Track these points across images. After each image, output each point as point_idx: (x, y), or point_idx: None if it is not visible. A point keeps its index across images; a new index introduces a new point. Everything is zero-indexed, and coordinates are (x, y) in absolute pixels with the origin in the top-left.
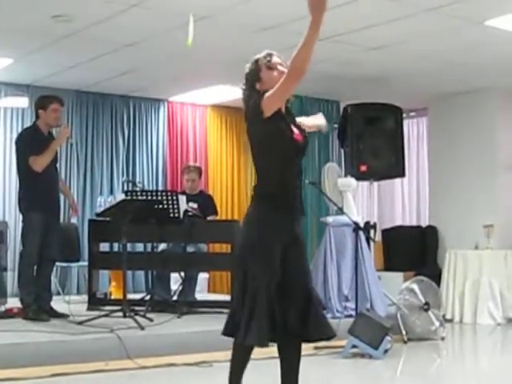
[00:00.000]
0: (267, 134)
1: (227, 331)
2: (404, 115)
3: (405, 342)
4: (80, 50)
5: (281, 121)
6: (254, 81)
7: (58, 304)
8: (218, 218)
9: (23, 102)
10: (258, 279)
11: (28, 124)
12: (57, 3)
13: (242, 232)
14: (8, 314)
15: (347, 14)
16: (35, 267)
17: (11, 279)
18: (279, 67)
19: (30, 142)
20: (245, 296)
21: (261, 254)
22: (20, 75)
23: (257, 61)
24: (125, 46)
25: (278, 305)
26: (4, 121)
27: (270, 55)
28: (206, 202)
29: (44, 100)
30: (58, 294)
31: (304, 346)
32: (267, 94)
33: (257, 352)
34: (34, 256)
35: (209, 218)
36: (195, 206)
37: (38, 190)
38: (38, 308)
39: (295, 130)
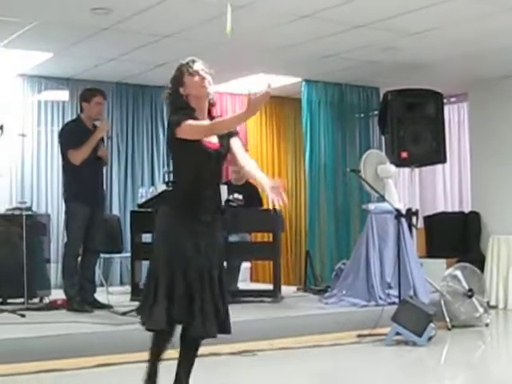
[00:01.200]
0: (179, 143)
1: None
2: (445, 101)
3: (449, 329)
4: (119, 42)
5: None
6: (178, 85)
7: (101, 295)
8: (260, 207)
9: (63, 95)
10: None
11: (68, 117)
12: None
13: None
14: (52, 306)
15: (384, 0)
16: (79, 259)
17: (55, 271)
18: (201, 72)
19: (71, 135)
20: None
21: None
22: (60, 69)
23: (180, 67)
24: (163, 36)
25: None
26: (45, 114)
27: (193, 62)
28: (251, 194)
29: (87, 93)
30: (101, 285)
31: (347, 333)
32: (186, 123)
33: None
34: (77, 247)
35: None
36: (240, 197)
37: (80, 182)
38: (81, 299)
39: (210, 139)
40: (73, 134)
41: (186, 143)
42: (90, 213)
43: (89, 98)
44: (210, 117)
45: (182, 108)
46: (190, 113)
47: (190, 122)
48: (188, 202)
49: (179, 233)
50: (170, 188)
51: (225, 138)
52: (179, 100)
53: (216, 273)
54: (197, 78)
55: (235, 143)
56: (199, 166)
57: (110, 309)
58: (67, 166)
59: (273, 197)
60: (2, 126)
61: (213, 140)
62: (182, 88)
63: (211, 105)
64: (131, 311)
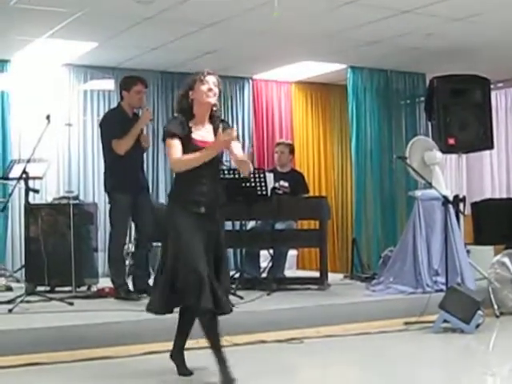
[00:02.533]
0: None
1: None
2: (492, 86)
3: (497, 317)
4: (163, 32)
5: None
6: (189, 88)
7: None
8: (305, 195)
9: (109, 84)
10: None
11: (113, 105)
12: None
13: None
14: (100, 294)
15: None
16: (126, 247)
17: (102, 260)
18: (210, 83)
19: (113, 124)
20: None
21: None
22: (105, 58)
23: (196, 74)
24: (206, 25)
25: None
26: (91, 104)
27: (208, 73)
28: (297, 181)
29: (127, 81)
30: (130, 273)
31: (394, 321)
32: (168, 142)
33: None
34: (122, 236)
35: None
36: (286, 184)
37: (122, 171)
38: (128, 288)
39: (199, 138)
40: (115, 123)
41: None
42: (133, 201)
43: (128, 87)
44: (211, 121)
45: (184, 110)
46: (187, 118)
47: (170, 143)
48: (183, 196)
49: (177, 223)
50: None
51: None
52: (185, 102)
53: (211, 256)
54: (205, 87)
55: (235, 147)
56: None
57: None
58: (109, 155)
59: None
60: (48, 115)
61: (208, 137)
62: (191, 91)
63: (213, 112)
64: None
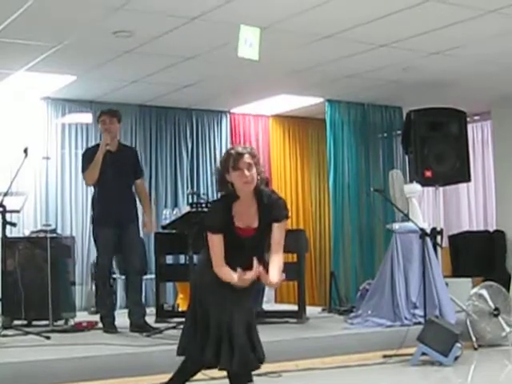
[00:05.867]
0: None
1: None
2: (468, 119)
3: (475, 349)
4: (141, 65)
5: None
6: (224, 170)
7: (124, 317)
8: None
9: (87, 118)
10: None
11: (92, 140)
12: (117, 19)
13: None
14: (77, 328)
15: (406, 20)
16: (111, 280)
17: (79, 293)
18: (245, 171)
19: (84, 159)
20: None
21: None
22: (83, 92)
23: (227, 154)
24: (186, 59)
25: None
26: (69, 137)
27: (239, 154)
28: None
29: (98, 115)
30: (127, 307)
31: (373, 354)
32: (210, 238)
33: None
34: (103, 269)
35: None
36: None
37: (102, 204)
38: (111, 320)
39: (241, 225)
40: (86, 158)
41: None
42: (115, 235)
43: (98, 119)
44: (257, 198)
45: (226, 195)
46: (231, 201)
47: (212, 240)
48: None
49: (211, 293)
50: (194, 209)
51: (266, 223)
52: (225, 185)
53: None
54: (240, 175)
55: (275, 231)
56: (230, 249)
57: (160, 332)
58: (92, 189)
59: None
60: (26, 149)
61: (252, 224)
62: (227, 175)
63: (266, 184)
64: (155, 333)
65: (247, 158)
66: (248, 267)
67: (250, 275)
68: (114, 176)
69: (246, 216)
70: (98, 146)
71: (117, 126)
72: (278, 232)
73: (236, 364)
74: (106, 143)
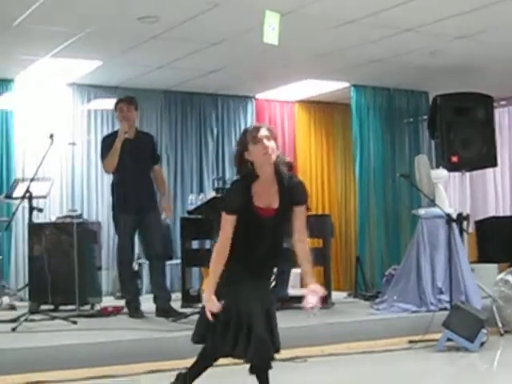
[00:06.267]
0: None
1: None
2: (495, 104)
3: (501, 335)
4: (167, 50)
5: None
6: (242, 150)
7: (150, 302)
8: (309, 213)
9: (112, 103)
10: None
11: (117, 125)
12: (143, 5)
13: None
14: (103, 313)
15: (434, 4)
16: (136, 265)
17: (106, 278)
18: (264, 141)
19: (103, 147)
20: None
21: None
22: (108, 77)
23: (245, 132)
24: (211, 44)
25: None
26: (95, 123)
27: (257, 129)
28: None
29: (115, 102)
30: (152, 292)
31: (398, 339)
32: (224, 218)
33: None
34: (125, 254)
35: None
36: None
37: (121, 191)
38: (137, 305)
39: (261, 205)
40: (105, 146)
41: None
42: (135, 221)
43: (115, 107)
44: (279, 176)
45: (245, 175)
46: (250, 181)
47: (226, 219)
48: (238, 258)
49: (232, 284)
50: (219, 195)
51: (287, 204)
52: (244, 165)
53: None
54: (260, 148)
55: (298, 216)
56: (250, 230)
57: (186, 317)
58: (111, 176)
59: (309, 299)
60: (52, 134)
61: (272, 205)
62: (246, 153)
63: (290, 168)
64: (181, 318)
65: (265, 131)
66: (267, 253)
67: (215, 308)
68: (132, 163)
69: (266, 196)
70: (116, 132)
71: (134, 114)
72: (300, 217)
73: (251, 353)
74: (125, 131)
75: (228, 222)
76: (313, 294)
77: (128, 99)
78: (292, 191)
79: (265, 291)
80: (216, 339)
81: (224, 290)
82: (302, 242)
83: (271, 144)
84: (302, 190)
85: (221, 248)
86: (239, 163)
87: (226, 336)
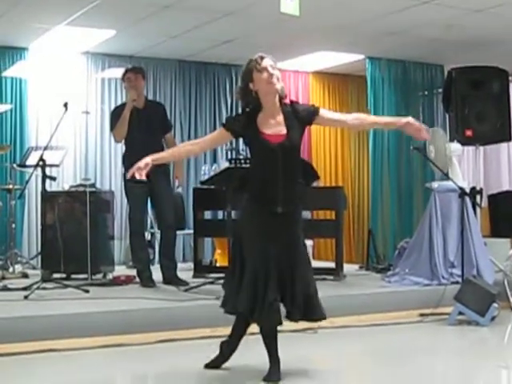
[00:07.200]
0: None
1: None
2: (510, 78)
3: None
4: (181, 20)
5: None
6: (247, 80)
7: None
8: (322, 184)
9: None
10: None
11: None
12: None
13: None
14: (115, 282)
15: None
16: (148, 235)
17: (118, 248)
18: (269, 69)
19: (113, 117)
20: None
21: None
22: (123, 46)
23: (249, 63)
24: (225, 14)
25: None
26: (109, 92)
27: (261, 58)
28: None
29: (124, 72)
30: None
31: (409, 312)
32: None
33: None
34: (137, 224)
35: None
36: None
37: (128, 161)
38: (148, 275)
39: (269, 132)
40: (114, 116)
41: (246, 139)
42: (147, 190)
43: (123, 77)
44: (282, 106)
45: (250, 104)
46: (255, 112)
47: (217, 131)
48: (259, 192)
49: (252, 222)
50: (233, 166)
51: (296, 130)
52: (249, 96)
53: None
54: (265, 75)
55: (326, 117)
56: (264, 160)
57: (188, 286)
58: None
59: (415, 134)
60: (66, 103)
61: (280, 131)
62: (251, 83)
63: (281, 98)
64: (193, 287)
65: (269, 60)
66: (285, 185)
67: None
68: (142, 132)
69: (272, 123)
70: (125, 104)
71: (142, 83)
72: (331, 115)
73: (256, 315)
74: (133, 99)
75: (215, 133)
76: (412, 122)
77: (135, 69)
78: (297, 112)
79: (288, 237)
80: (239, 299)
81: (241, 232)
82: (357, 118)
83: (276, 72)
84: (305, 107)
85: (193, 141)
86: (244, 95)
87: (239, 295)
